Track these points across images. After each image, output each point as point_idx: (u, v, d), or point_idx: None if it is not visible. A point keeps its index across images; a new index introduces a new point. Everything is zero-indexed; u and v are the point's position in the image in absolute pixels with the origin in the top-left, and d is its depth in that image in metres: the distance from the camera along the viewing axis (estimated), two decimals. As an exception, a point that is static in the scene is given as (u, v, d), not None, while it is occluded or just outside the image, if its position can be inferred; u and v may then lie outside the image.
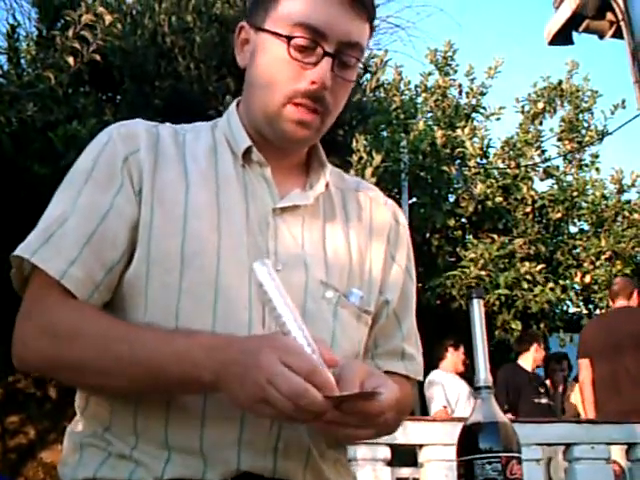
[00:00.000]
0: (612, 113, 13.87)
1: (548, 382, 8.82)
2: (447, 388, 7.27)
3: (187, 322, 1.48)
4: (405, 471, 6.94)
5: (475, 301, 1.68)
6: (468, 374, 7.39)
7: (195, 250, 1.52)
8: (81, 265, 1.50)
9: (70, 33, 6.05)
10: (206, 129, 1.72)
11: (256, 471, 1.48)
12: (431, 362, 7.82)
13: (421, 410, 7.73)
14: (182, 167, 1.61)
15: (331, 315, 1.59)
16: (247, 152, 1.65)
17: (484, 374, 1.64)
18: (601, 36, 6.52)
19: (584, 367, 6.95)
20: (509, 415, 6.50)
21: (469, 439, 1.59)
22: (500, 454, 1.54)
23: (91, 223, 1.53)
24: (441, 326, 8.55)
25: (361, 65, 1.65)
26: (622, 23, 5.92)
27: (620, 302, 7.03)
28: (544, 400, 7.46)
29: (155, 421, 1.48)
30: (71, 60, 6.03)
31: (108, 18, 6.14)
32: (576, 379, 8.01)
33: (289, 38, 1.53)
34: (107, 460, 1.51)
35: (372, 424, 1.38)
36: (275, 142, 1.65)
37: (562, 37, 6.86)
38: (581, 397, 7.24)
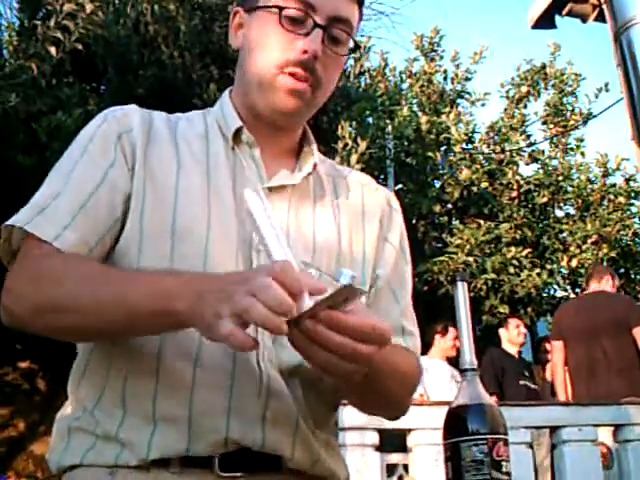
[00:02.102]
0: (596, 97, 13.92)
1: (539, 366, 8.85)
2: (429, 375, 7.28)
3: None
4: (395, 457, 6.97)
5: (459, 284, 1.69)
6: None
7: (185, 226, 1.54)
8: (75, 229, 1.52)
9: (52, 23, 6.01)
10: (198, 116, 1.76)
11: (245, 442, 1.48)
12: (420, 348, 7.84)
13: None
14: (174, 148, 1.64)
15: None
16: (237, 133, 1.68)
17: (469, 356, 1.65)
18: (584, 20, 6.53)
19: (557, 349, 6.96)
20: (493, 398, 6.52)
21: (455, 421, 1.60)
22: (486, 436, 1.55)
23: (84, 194, 1.55)
24: (429, 312, 8.56)
25: (352, 44, 1.68)
26: (604, 6, 5.92)
27: (594, 286, 7.07)
28: (529, 383, 7.47)
29: (144, 390, 1.49)
30: (53, 50, 5.99)
31: (90, 7, 6.10)
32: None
33: (280, 8, 1.58)
34: (94, 445, 1.51)
35: (357, 352, 1.23)
36: (268, 116, 1.66)
37: (545, 21, 6.86)
38: (552, 379, 7.27)
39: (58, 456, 1.56)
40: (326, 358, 1.23)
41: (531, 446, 5.29)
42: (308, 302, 1.21)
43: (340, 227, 1.70)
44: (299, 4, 1.58)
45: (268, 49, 1.60)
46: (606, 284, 7.05)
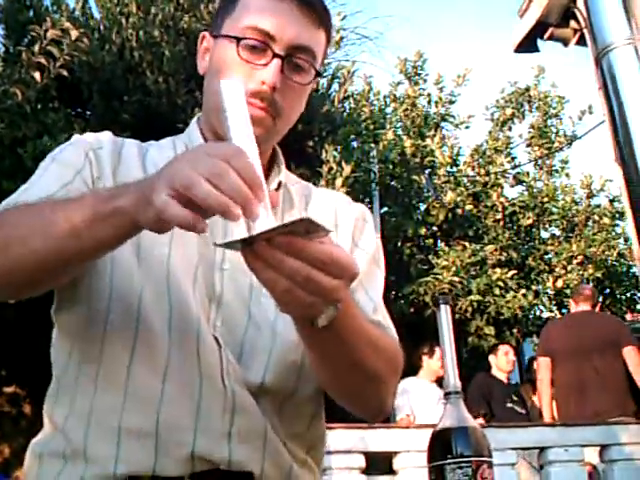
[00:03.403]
0: (580, 119, 14.02)
1: (528, 385, 8.84)
2: (415, 396, 7.27)
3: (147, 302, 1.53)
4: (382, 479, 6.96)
5: (442, 307, 1.70)
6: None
7: (147, 247, 1.56)
8: None
9: (36, 48, 6.03)
10: (168, 142, 1.78)
11: (212, 458, 1.49)
12: (407, 369, 7.83)
13: (393, 419, 7.74)
14: (142, 172, 1.64)
15: (274, 310, 1.50)
16: None
17: (453, 379, 1.65)
18: (565, 43, 6.57)
19: (544, 366, 6.97)
20: (479, 420, 6.52)
21: (439, 444, 1.60)
22: (471, 458, 1.55)
23: (54, 187, 1.55)
24: (415, 333, 8.56)
25: (315, 71, 1.67)
26: (585, 30, 5.97)
27: (583, 306, 7.10)
28: (517, 407, 7.47)
29: (110, 404, 1.50)
30: (38, 76, 6.01)
31: (74, 33, 6.13)
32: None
33: (238, 39, 1.59)
34: (63, 468, 1.51)
35: (314, 280, 1.14)
36: None
37: (528, 45, 6.90)
38: (538, 396, 7.27)
39: None
40: (282, 285, 1.14)
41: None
42: (266, 220, 1.13)
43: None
44: (258, 34, 1.58)
45: (223, 77, 1.54)
46: (593, 304, 7.11)
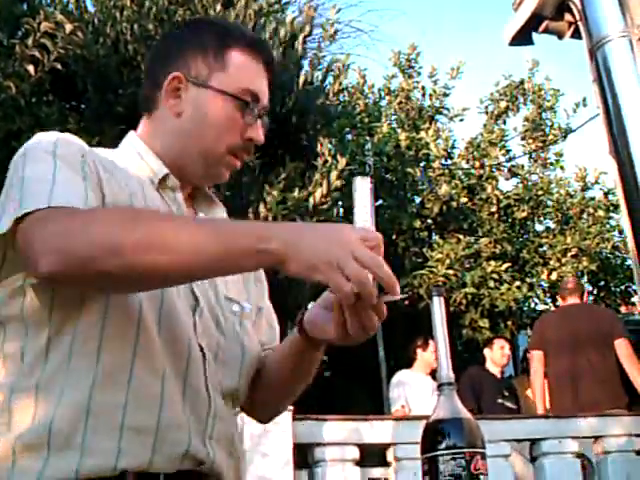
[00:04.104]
0: (574, 111, 14.00)
1: (524, 376, 8.83)
2: (410, 388, 7.29)
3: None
4: (376, 471, 6.97)
5: (436, 299, 1.71)
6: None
7: None
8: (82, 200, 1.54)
9: (30, 41, 6.01)
10: (126, 160, 1.81)
11: (199, 458, 1.59)
12: (402, 362, 7.85)
13: (388, 409, 7.76)
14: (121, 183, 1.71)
15: (238, 325, 1.80)
16: (164, 178, 1.80)
17: (446, 371, 1.66)
18: (560, 36, 6.57)
19: (537, 359, 6.99)
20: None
21: (432, 436, 1.61)
22: (464, 450, 1.56)
23: (81, 190, 1.57)
24: (410, 325, 8.59)
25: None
26: (580, 23, 5.98)
27: (573, 299, 7.12)
28: (507, 403, 7.46)
29: (112, 400, 1.53)
30: (31, 69, 5.99)
31: (69, 27, 6.11)
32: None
33: (244, 101, 1.79)
34: (47, 462, 1.49)
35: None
36: (198, 179, 1.87)
37: (522, 37, 6.91)
38: (531, 389, 7.27)
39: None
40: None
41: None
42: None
43: None
44: (251, 96, 1.79)
45: (219, 130, 1.78)
46: (581, 295, 7.14)
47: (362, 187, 1.57)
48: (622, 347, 6.61)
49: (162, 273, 1.44)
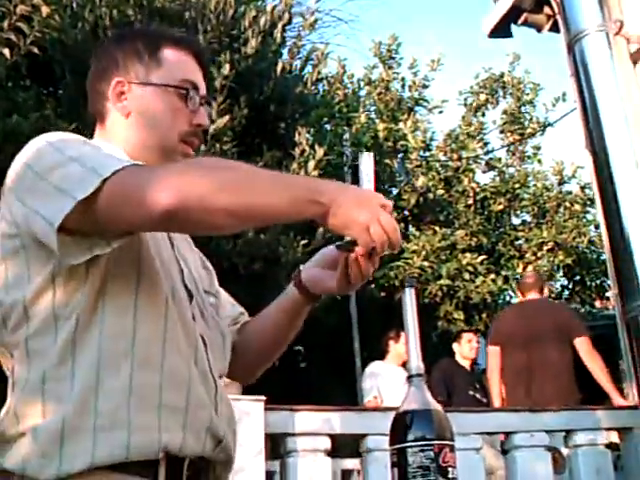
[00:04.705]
0: (553, 105, 14.07)
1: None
2: (383, 379, 7.30)
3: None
4: (350, 462, 6.97)
5: (407, 290, 1.70)
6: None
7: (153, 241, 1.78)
8: None
9: (5, 24, 5.94)
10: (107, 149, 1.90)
11: (219, 435, 1.74)
12: (377, 354, 7.85)
13: (362, 400, 7.77)
14: None
15: (216, 316, 1.96)
16: None
17: (416, 362, 1.65)
18: (539, 29, 6.57)
19: (494, 354, 6.96)
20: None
21: (401, 427, 1.60)
22: (433, 442, 1.55)
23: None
24: (386, 317, 8.60)
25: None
26: (558, 17, 5.97)
27: (532, 295, 7.10)
28: (478, 395, 7.46)
29: (151, 381, 1.65)
30: (7, 52, 5.92)
31: (45, 10, 6.04)
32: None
33: (185, 89, 1.91)
34: (97, 440, 1.57)
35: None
36: None
37: (501, 30, 6.91)
38: (488, 384, 7.25)
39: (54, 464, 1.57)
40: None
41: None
42: None
43: (202, 261, 2.11)
44: (190, 85, 1.91)
45: (167, 121, 1.89)
46: (541, 290, 7.12)
47: (367, 163, 1.74)
48: (583, 345, 6.59)
49: (251, 214, 1.61)
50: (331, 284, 1.86)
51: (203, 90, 1.96)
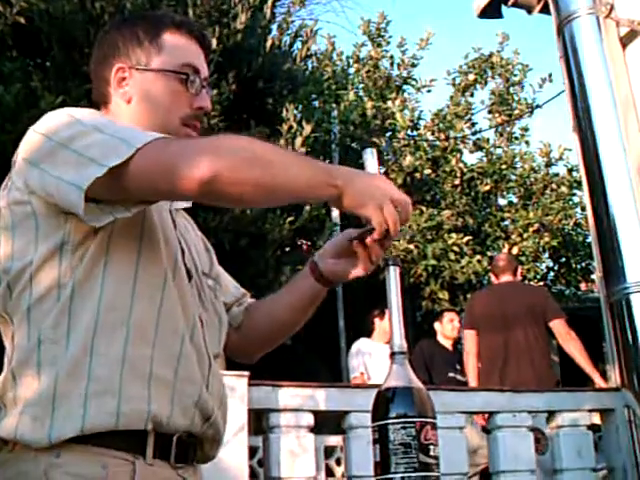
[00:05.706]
0: (541, 87, 14.05)
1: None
2: (369, 357, 7.32)
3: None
4: (333, 439, 6.99)
5: (391, 268, 1.72)
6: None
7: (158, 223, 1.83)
8: None
9: (-10, -6, 5.90)
10: None
11: (208, 411, 1.80)
12: (361, 332, 7.87)
13: (347, 379, 7.79)
14: None
15: (214, 298, 2.00)
16: None
17: (399, 340, 1.67)
18: (529, 11, 6.58)
19: (470, 338, 6.96)
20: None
21: (383, 404, 1.61)
22: (414, 419, 1.56)
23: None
24: (371, 296, 8.60)
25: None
26: (549, -1, 5.99)
27: (506, 277, 7.09)
28: (459, 376, 7.47)
29: (143, 352, 1.70)
30: (-7, 22, 5.88)
31: (32, -20, 6.00)
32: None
33: (185, 74, 1.93)
34: (89, 404, 1.63)
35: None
36: None
37: (492, 10, 6.91)
38: (465, 368, 7.24)
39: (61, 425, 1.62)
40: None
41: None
42: None
43: (204, 243, 2.16)
44: (191, 69, 1.94)
45: (168, 105, 1.93)
46: (514, 272, 7.13)
47: (372, 157, 1.84)
48: (559, 327, 6.59)
49: (275, 189, 1.66)
50: (356, 271, 1.96)
51: (205, 73, 1.99)
